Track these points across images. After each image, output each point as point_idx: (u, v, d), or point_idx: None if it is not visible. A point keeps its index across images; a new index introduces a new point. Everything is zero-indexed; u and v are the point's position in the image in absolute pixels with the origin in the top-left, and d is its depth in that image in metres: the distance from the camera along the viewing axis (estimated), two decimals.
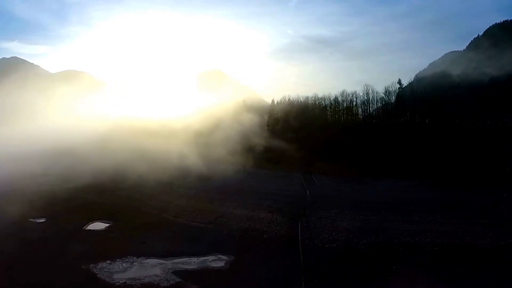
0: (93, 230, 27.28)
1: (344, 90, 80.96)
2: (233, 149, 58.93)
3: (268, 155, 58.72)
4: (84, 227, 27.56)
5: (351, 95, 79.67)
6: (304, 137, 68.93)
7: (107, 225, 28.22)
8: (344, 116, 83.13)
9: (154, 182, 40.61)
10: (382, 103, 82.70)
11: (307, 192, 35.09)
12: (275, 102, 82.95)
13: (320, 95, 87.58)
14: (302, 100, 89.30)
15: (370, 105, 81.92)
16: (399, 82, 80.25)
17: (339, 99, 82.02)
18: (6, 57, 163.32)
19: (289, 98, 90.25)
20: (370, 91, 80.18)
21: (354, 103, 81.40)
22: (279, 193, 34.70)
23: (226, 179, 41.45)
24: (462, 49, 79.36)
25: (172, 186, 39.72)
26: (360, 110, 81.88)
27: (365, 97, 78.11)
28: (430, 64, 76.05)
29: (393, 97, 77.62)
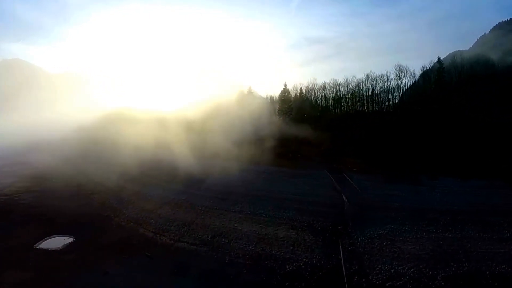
0: (46, 250, 21.98)
1: (370, 72, 72.82)
2: (237, 143, 52.78)
3: (282, 150, 51.50)
4: (36, 244, 22.47)
5: (379, 78, 71.22)
6: (324, 129, 61.83)
7: (68, 241, 23.06)
8: (374, 104, 75.00)
9: (134, 184, 35.42)
10: (417, 86, 74.24)
11: (344, 197, 27.49)
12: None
13: (340, 80, 79.75)
14: (318, 86, 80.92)
15: (403, 89, 73.48)
16: (439, 61, 71.01)
17: (364, 84, 73.55)
18: (8, 58, 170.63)
19: (301, 87, 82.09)
20: (404, 73, 71.48)
21: (384, 86, 72.88)
22: (303, 200, 27.20)
23: (227, 180, 34.45)
24: (468, 48, 74.66)
25: (156, 189, 33.41)
26: (391, 95, 73.59)
27: (398, 82, 69.65)
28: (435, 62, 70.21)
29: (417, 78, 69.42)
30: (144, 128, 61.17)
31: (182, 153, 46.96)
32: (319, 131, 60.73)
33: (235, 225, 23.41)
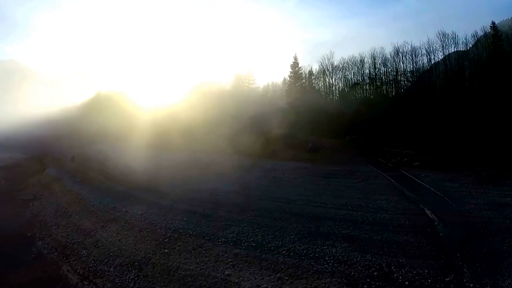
0: None
1: (404, 42, 61.07)
2: (234, 133, 46.19)
3: (296, 140, 43.20)
4: None
5: (413, 52, 59.49)
6: (344, 116, 53.67)
7: None
8: (405, 82, 63.77)
9: (83, 186, 29.15)
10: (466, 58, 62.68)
11: (428, 212, 16.85)
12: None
13: (365, 52, 68.28)
14: (333, 66, 68.88)
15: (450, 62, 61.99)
16: (493, 26, 59.02)
17: (395, 60, 61.97)
18: (3, 59, 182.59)
19: (310, 69, 70.76)
20: (451, 41, 59.98)
21: (422, 61, 61.59)
22: (355, 218, 16.60)
23: (215, 183, 24.62)
24: (467, 48, 66.48)
25: (106, 196, 24.83)
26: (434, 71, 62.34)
27: (443, 52, 58.25)
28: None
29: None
30: (120, 119, 59.59)
31: (158, 146, 42.30)
32: (337, 119, 52.91)
33: (227, 272, 12.92)
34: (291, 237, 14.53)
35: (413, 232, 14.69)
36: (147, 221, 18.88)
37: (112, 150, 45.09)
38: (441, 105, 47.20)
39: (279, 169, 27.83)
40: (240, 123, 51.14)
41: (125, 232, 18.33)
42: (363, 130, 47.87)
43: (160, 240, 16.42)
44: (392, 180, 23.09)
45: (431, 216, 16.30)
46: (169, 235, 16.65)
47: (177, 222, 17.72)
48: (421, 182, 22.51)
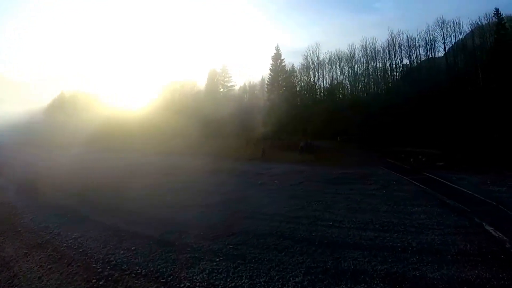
0: None
1: (399, 32, 57.84)
2: (210, 135, 45.40)
3: (284, 142, 41.41)
4: None
5: (407, 43, 56.38)
6: (329, 115, 51.62)
7: None
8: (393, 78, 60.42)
9: (21, 201, 22.36)
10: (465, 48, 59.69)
11: (491, 231, 12.20)
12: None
13: (356, 44, 64.89)
14: (318, 62, 64.73)
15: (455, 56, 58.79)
16: (497, 14, 55.55)
17: (387, 53, 58.53)
18: None
19: (293, 66, 67.05)
20: (453, 30, 56.75)
21: (419, 53, 58.36)
22: (390, 243, 11.63)
23: (180, 194, 19.50)
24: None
25: (45, 211, 19.20)
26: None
27: (443, 44, 55.11)
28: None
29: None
30: (87, 122, 58.58)
31: (124, 149, 40.66)
32: (325, 117, 51.59)
33: None
34: (297, 279, 9.41)
35: (483, 261, 9.97)
36: (81, 250, 13.50)
37: (72, 155, 41.41)
38: (444, 99, 44.49)
39: (267, 174, 22.95)
40: (216, 123, 48.26)
41: (49, 266, 12.91)
42: (356, 130, 44.82)
43: (93, 281, 11.06)
44: (421, 185, 18.59)
45: (497, 235, 11.68)
46: (106, 273, 11.31)
47: (121, 252, 12.43)
48: (458, 187, 18.07)
